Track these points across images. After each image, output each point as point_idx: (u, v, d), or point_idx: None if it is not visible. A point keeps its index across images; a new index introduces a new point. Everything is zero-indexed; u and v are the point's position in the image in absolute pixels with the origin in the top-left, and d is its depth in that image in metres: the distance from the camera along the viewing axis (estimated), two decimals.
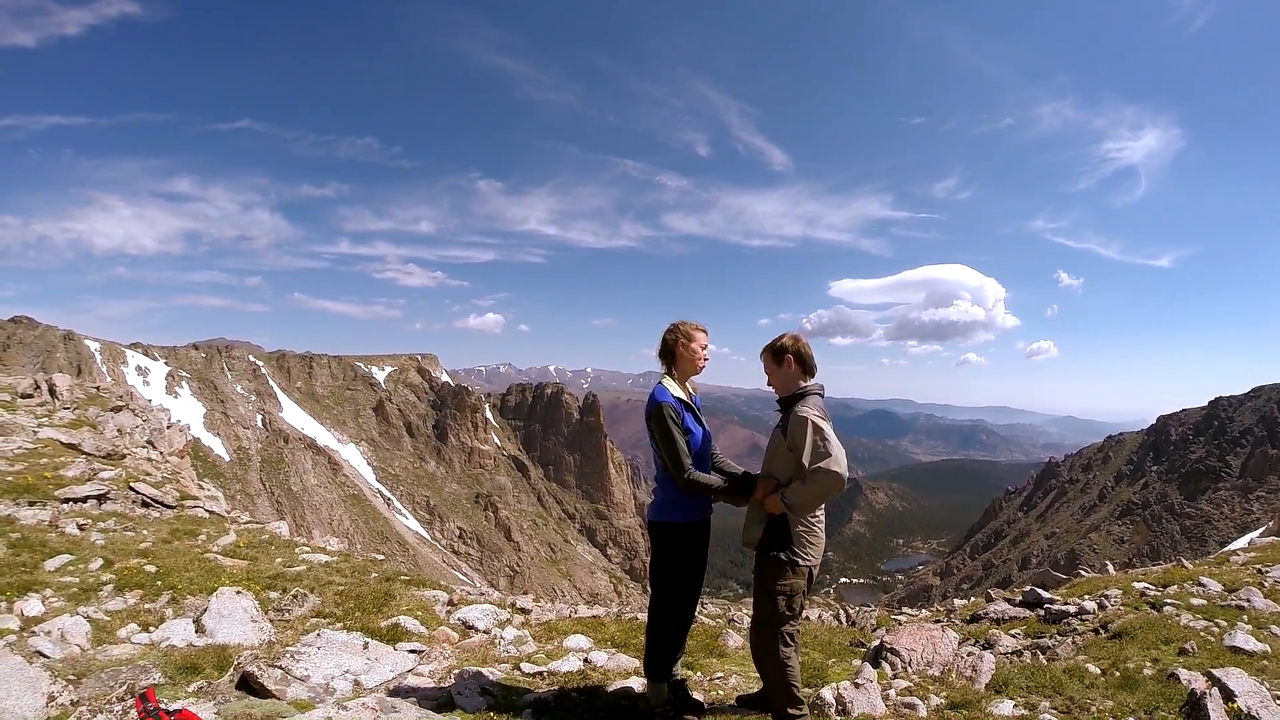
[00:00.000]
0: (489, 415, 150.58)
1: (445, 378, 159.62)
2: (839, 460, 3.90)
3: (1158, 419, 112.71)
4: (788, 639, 4.20)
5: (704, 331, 4.56)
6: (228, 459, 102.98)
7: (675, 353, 4.51)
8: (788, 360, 4.31)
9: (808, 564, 4.17)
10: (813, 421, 4.00)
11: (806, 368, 4.33)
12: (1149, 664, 5.31)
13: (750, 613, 9.12)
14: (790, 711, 4.23)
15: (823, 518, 4.27)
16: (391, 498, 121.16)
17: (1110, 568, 10.54)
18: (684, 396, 4.45)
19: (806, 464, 4.04)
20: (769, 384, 4.46)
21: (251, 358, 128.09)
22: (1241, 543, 17.03)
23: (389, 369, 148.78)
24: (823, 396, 4.31)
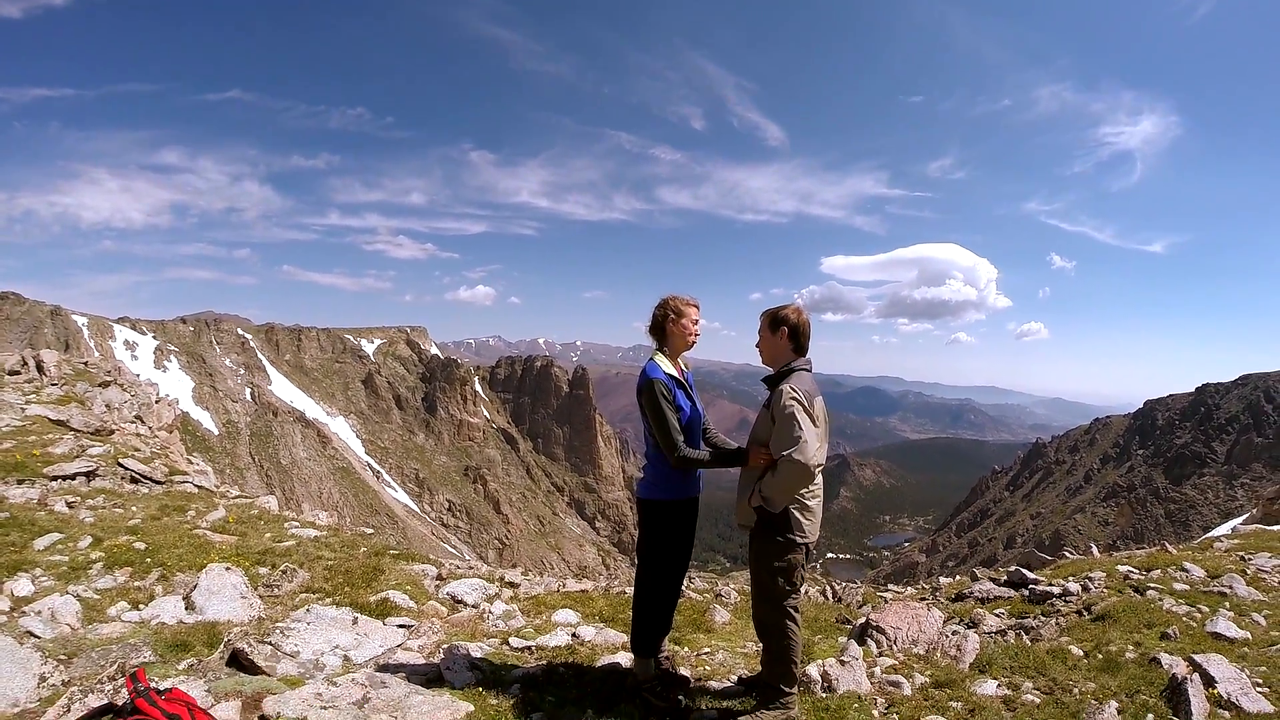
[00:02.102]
0: (478, 388, 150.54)
1: (435, 350, 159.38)
2: (805, 449, 3.83)
3: (1145, 403, 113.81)
4: (791, 612, 4.18)
5: (695, 306, 4.47)
6: (217, 433, 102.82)
7: (665, 329, 4.44)
8: (782, 331, 4.24)
9: (804, 540, 4.12)
10: (786, 405, 3.93)
11: (798, 345, 4.26)
12: (1131, 647, 5.35)
13: (738, 588, 9.19)
14: (781, 687, 4.19)
15: (819, 490, 4.18)
16: (380, 471, 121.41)
17: (1094, 550, 10.63)
18: (675, 373, 4.38)
19: (774, 452, 4.01)
20: (757, 346, 4.39)
21: (240, 331, 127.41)
22: (1225, 529, 17.23)
23: (378, 342, 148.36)
24: (810, 371, 4.26)
